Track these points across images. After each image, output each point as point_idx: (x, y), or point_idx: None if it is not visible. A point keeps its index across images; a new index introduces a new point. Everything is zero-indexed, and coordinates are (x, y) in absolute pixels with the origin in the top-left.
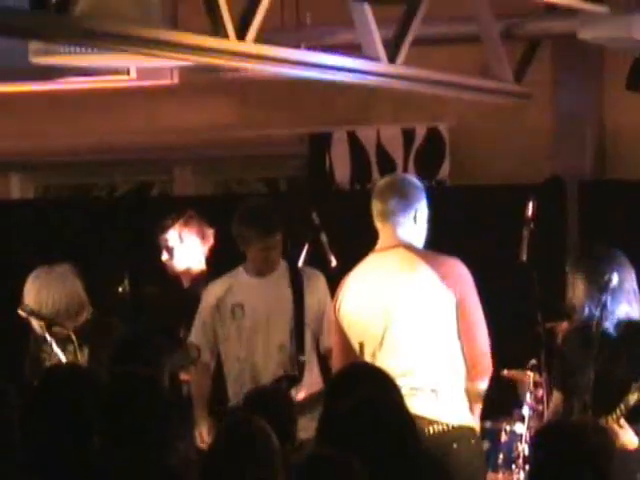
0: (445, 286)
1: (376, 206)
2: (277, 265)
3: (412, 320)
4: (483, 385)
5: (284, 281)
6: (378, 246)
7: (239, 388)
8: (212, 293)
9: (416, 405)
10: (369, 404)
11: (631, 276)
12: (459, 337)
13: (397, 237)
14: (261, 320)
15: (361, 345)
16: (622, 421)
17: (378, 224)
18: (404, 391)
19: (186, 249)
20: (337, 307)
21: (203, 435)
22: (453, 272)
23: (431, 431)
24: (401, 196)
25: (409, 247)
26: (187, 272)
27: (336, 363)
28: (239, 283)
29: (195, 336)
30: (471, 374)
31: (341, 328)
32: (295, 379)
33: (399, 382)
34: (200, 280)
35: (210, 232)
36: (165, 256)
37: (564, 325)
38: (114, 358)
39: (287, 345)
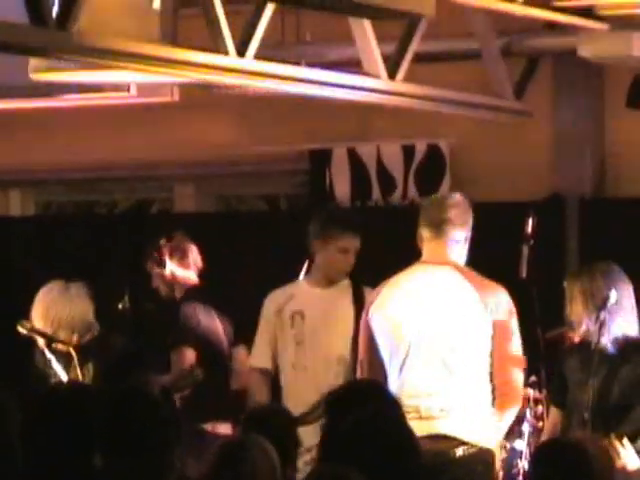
0: (485, 310)
1: (431, 214)
2: (347, 275)
3: (448, 339)
4: (508, 416)
5: (346, 295)
6: (426, 258)
7: (296, 397)
8: (274, 300)
9: (446, 426)
10: (370, 421)
11: (629, 292)
12: (492, 364)
13: (447, 253)
14: (320, 330)
15: (390, 355)
16: (625, 440)
17: (428, 234)
18: (433, 412)
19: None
20: (370, 313)
21: None
22: (496, 297)
23: (459, 452)
24: (462, 209)
25: (458, 266)
26: (176, 282)
27: (361, 374)
28: (301, 292)
29: (257, 343)
30: (497, 402)
31: (371, 335)
32: None
33: (428, 402)
34: (190, 294)
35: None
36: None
37: (564, 332)
38: (106, 375)
39: (346, 358)
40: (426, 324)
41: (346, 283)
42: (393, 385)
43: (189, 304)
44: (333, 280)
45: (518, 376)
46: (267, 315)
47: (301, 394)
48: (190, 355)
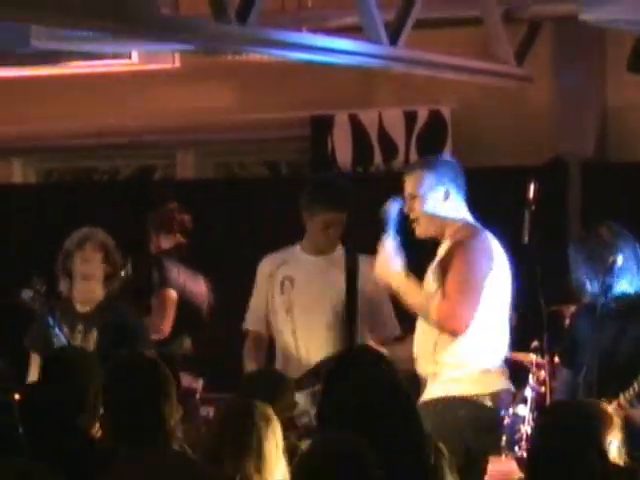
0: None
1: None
2: (335, 246)
3: None
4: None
5: (339, 263)
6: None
7: (286, 362)
8: (267, 263)
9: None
10: (366, 387)
11: (634, 252)
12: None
13: None
14: (310, 296)
15: None
16: (635, 401)
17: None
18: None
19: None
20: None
21: None
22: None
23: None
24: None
25: None
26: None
27: None
28: (294, 258)
29: (252, 305)
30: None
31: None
32: None
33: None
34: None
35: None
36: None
37: (571, 309)
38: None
39: (336, 326)
40: None
41: (340, 251)
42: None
43: (168, 259)
44: (322, 249)
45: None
46: (260, 279)
47: (292, 359)
48: (172, 295)
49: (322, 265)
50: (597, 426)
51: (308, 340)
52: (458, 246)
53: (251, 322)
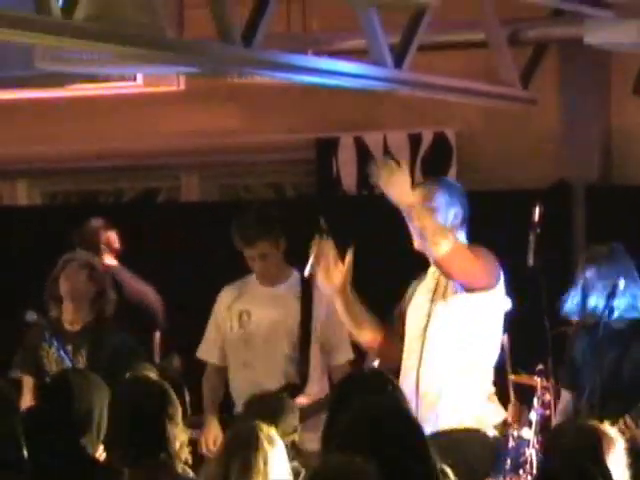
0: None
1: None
2: (282, 275)
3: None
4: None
5: (294, 291)
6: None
7: (242, 395)
8: (226, 295)
9: None
10: (371, 411)
11: (634, 272)
12: None
13: None
14: (267, 328)
15: None
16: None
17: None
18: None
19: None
20: None
21: (209, 442)
22: None
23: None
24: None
25: None
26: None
27: None
28: (249, 290)
29: (208, 337)
30: None
31: None
32: (297, 388)
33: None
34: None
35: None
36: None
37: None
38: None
39: (293, 355)
40: None
41: (295, 278)
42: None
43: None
44: (267, 281)
45: None
46: (217, 311)
47: (247, 391)
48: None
49: (277, 295)
50: (598, 448)
51: (265, 371)
52: (476, 246)
53: (206, 352)
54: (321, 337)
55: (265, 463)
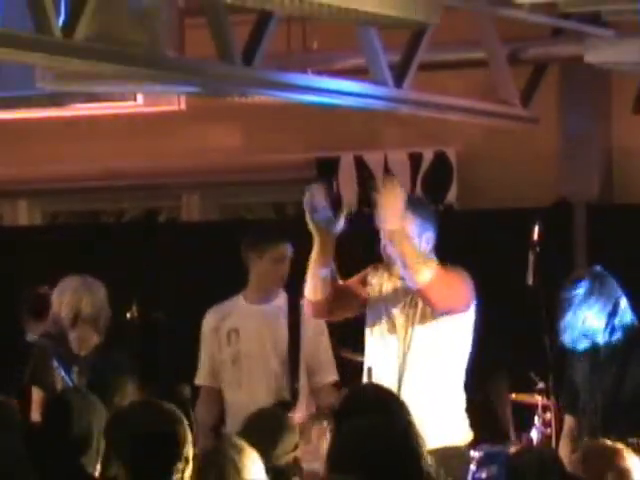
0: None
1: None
2: (274, 292)
3: None
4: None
5: (282, 310)
6: None
7: (234, 413)
8: (212, 317)
9: None
10: (374, 432)
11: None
12: None
13: None
14: (256, 347)
15: None
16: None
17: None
18: None
19: None
20: None
21: None
22: None
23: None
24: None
25: None
26: None
27: None
28: (237, 309)
29: (201, 360)
30: None
31: None
32: (288, 406)
33: None
34: None
35: None
36: None
37: None
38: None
39: (281, 372)
40: None
41: (282, 298)
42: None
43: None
44: (269, 292)
45: None
46: (205, 333)
47: (240, 412)
48: None
49: (265, 314)
50: (602, 468)
51: (254, 390)
52: (450, 267)
53: (202, 377)
54: (307, 357)
55: (238, 472)
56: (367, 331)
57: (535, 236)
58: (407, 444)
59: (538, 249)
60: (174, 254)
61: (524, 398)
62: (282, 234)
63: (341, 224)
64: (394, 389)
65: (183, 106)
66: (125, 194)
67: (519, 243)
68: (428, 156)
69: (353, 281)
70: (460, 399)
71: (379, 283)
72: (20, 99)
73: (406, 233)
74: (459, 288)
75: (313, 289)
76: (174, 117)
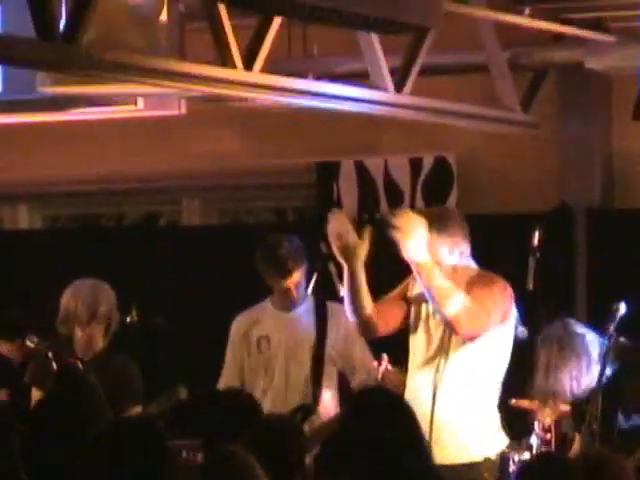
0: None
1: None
2: (301, 299)
3: None
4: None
5: (310, 315)
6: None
7: None
8: (241, 323)
9: None
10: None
11: None
12: None
13: None
14: (286, 353)
15: None
16: None
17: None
18: None
19: None
20: None
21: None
22: None
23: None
24: None
25: None
26: None
27: None
28: (266, 316)
29: (227, 367)
30: None
31: None
32: (310, 410)
33: None
34: None
35: None
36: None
37: None
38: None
39: (309, 379)
40: None
41: (311, 301)
42: None
43: None
44: (294, 301)
45: None
46: (234, 339)
47: None
48: None
49: (294, 320)
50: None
51: (286, 395)
52: (489, 276)
53: (227, 381)
54: (339, 360)
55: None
56: (410, 339)
57: (535, 241)
58: (409, 454)
59: (539, 254)
60: (174, 258)
61: (524, 403)
62: (279, 266)
63: (367, 245)
64: (429, 401)
65: (184, 110)
66: (125, 198)
67: (519, 248)
68: (428, 161)
69: (395, 295)
70: (495, 411)
71: (418, 294)
72: (21, 103)
73: (433, 265)
74: (491, 309)
75: (355, 311)
76: (175, 121)
